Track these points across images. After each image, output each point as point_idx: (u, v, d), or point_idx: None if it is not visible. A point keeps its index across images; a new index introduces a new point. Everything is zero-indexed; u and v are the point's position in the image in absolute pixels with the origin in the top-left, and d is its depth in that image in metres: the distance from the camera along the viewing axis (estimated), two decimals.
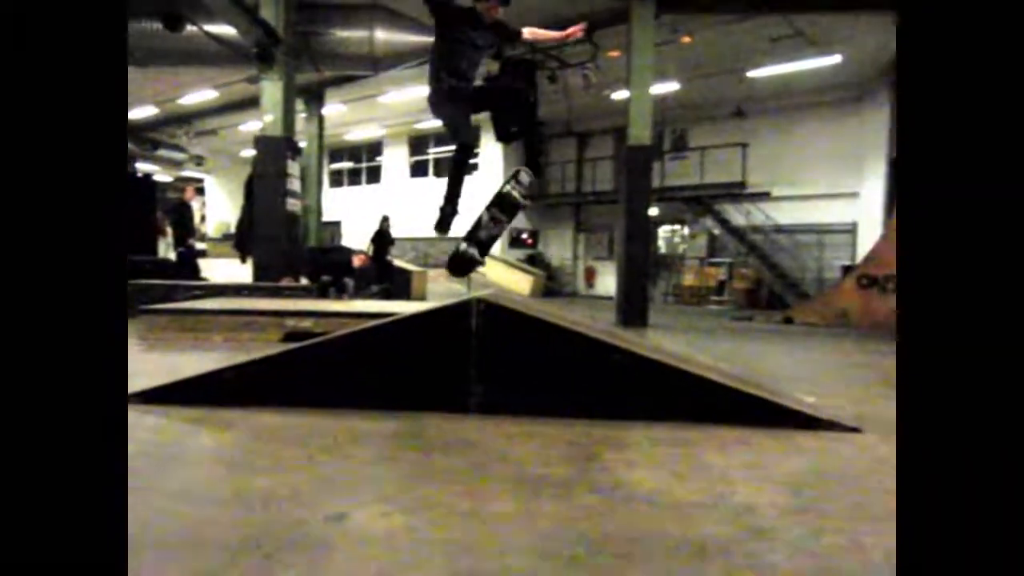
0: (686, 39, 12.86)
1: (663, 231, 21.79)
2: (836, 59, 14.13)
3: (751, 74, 15.56)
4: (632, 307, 10.54)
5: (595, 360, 3.52)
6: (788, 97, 17.59)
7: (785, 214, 18.37)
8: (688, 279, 20.06)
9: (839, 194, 17.35)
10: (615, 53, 12.42)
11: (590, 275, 22.91)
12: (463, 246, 4.71)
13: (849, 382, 5.87)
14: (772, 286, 18.23)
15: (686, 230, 21.11)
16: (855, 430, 3.52)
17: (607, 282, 20.55)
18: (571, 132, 21.64)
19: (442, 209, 4.59)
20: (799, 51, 13.84)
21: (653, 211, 19.61)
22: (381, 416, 3.39)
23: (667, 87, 16.21)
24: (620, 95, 11.22)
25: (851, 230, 17.39)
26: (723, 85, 16.68)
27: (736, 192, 18.88)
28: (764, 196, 18.61)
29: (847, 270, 13.97)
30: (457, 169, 4.58)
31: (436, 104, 4.44)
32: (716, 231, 19.68)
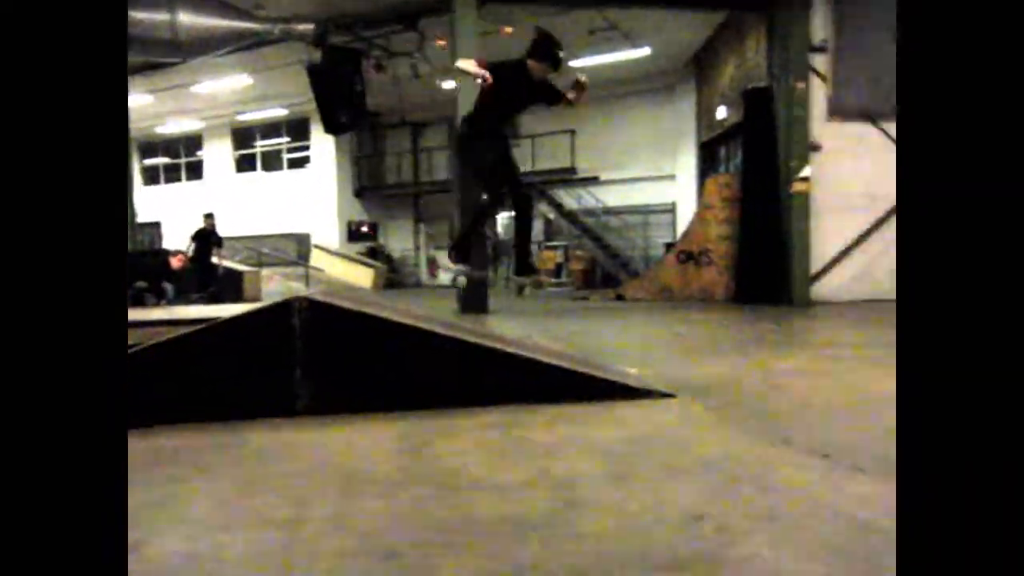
0: (508, 30, 13.14)
1: (501, 217, 22.24)
2: (646, 51, 15.14)
3: (573, 64, 16.24)
4: (473, 295, 10.67)
5: (424, 351, 3.53)
6: (610, 86, 18.57)
7: (613, 197, 19.45)
8: None
9: (659, 177, 18.66)
10: (442, 42, 12.42)
11: (433, 265, 22.89)
12: (462, 277, 4.78)
13: (670, 350, 6.34)
14: (605, 266, 19.26)
15: None
16: (670, 395, 3.81)
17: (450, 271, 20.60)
18: (405, 122, 21.42)
19: (454, 248, 4.71)
20: (615, 43, 14.65)
21: None
22: (197, 430, 3.17)
23: None
24: (450, 84, 11.25)
25: (671, 210, 18.80)
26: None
27: (567, 177, 19.68)
28: (593, 180, 19.57)
29: (669, 247, 15.07)
30: (475, 219, 4.66)
31: (465, 149, 4.51)
32: (551, 216, 20.42)
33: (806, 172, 10.57)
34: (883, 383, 4.30)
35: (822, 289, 10.72)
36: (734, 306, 10.83)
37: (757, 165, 11.10)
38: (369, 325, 3.54)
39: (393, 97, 17.45)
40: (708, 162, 16.35)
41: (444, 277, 21.10)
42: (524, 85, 4.36)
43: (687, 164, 17.87)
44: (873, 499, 2.20)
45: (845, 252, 10.78)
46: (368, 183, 22.96)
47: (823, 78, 10.60)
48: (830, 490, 2.31)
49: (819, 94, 10.63)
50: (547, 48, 4.32)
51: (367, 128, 20.67)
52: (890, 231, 10.69)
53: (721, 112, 14.12)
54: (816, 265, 10.74)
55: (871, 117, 10.59)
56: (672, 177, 18.48)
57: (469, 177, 4.55)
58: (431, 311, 8.45)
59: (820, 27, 10.59)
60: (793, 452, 2.75)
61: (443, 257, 21.75)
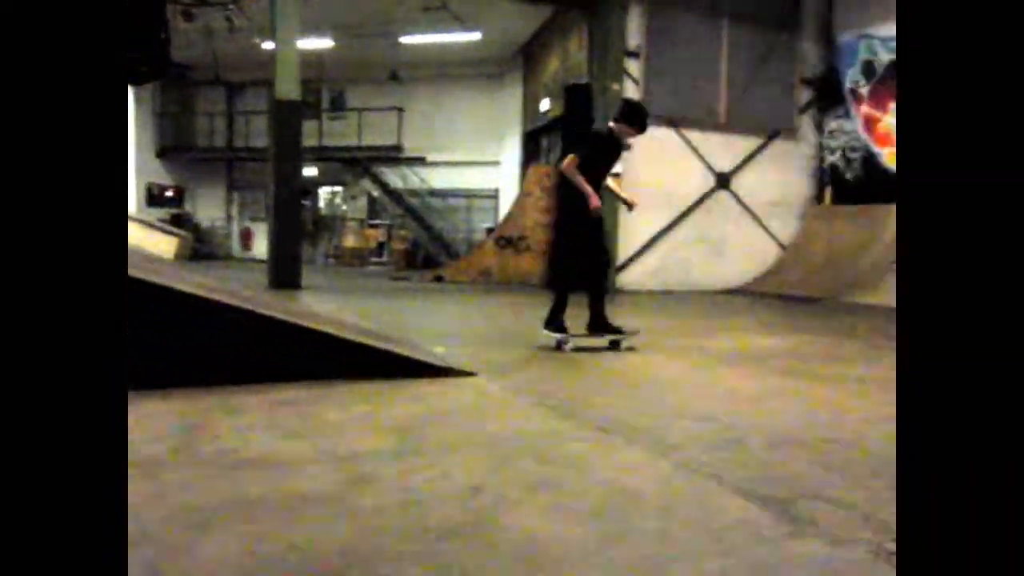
0: None
1: (324, 192, 21.39)
2: (477, 36, 15.27)
3: (404, 40, 15.98)
4: (284, 269, 10.17)
5: (213, 324, 3.29)
6: (441, 67, 18.49)
7: (439, 179, 19.45)
8: (349, 241, 20.08)
9: (485, 162, 18.96)
10: None
11: (247, 236, 21.47)
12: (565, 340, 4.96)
13: (482, 331, 6.49)
14: (428, 247, 19.26)
15: (348, 191, 21.03)
16: (471, 374, 3.90)
17: (265, 244, 19.51)
18: (220, 80, 19.77)
19: (550, 322, 5.03)
20: (446, 24, 14.60)
21: (312, 171, 19.12)
22: None
23: (321, 43, 15.75)
24: (271, 45, 10.56)
25: (495, 195, 19.19)
26: (378, 48, 16.82)
27: (394, 156, 19.35)
28: (420, 161, 19.42)
29: (490, 232, 15.39)
30: (567, 286, 5.10)
31: (572, 214, 4.97)
32: (375, 193, 19.99)
33: (617, 168, 11.28)
34: (667, 366, 4.73)
35: (626, 279, 11.54)
36: (547, 291, 11.34)
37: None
38: (149, 293, 3.23)
39: (206, 52, 16.04)
40: (531, 151, 16.89)
41: (258, 250, 19.89)
42: (613, 149, 5.09)
43: (512, 151, 18.32)
44: (639, 467, 2.41)
45: (647, 246, 11.69)
46: (173, 143, 20.96)
47: (636, 82, 11.36)
48: (601, 460, 2.50)
49: (632, 96, 11.37)
50: (640, 117, 5.05)
51: (172, 81, 18.80)
52: (684, 231, 11.74)
53: (545, 104, 14.63)
54: (621, 257, 11.54)
55: (673, 123, 11.53)
56: (497, 163, 18.86)
57: (571, 242, 5.15)
58: (237, 285, 7.92)
59: (635, 33, 11.32)
60: (576, 427, 2.93)
61: (256, 226, 20.51)
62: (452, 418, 3.02)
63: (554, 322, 4.98)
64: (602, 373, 4.33)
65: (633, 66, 11.32)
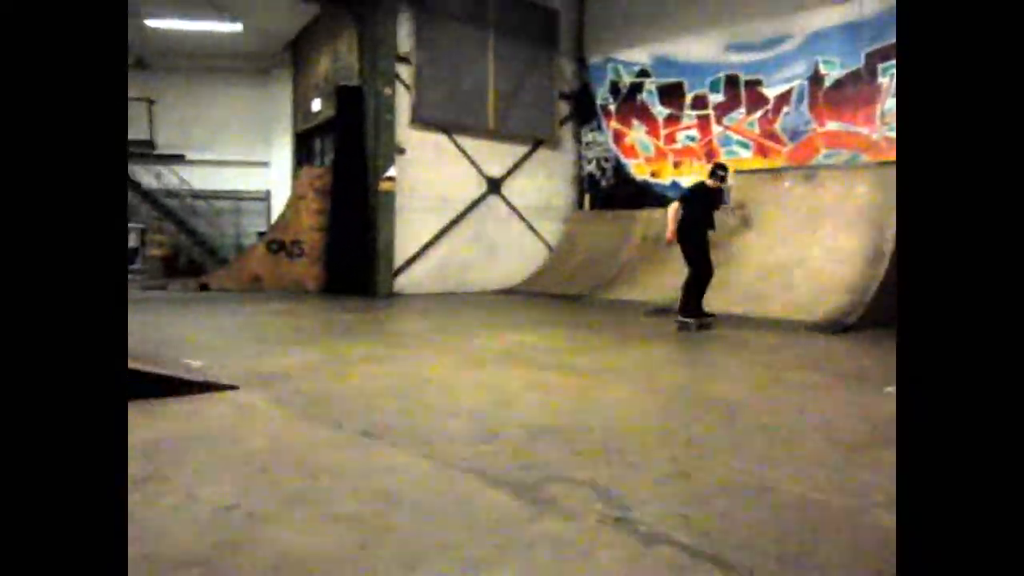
0: None
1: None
2: (238, 27, 14.32)
3: (151, 23, 14.47)
4: None
5: None
6: (199, 58, 17.04)
7: (202, 179, 17.92)
8: None
9: (253, 163, 17.85)
10: None
11: None
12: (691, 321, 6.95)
13: (247, 341, 6.12)
14: (191, 253, 17.66)
15: None
16: (233, 388, 3.68)
17: None
18: None
19: (689, 311, 6.96)
20: (203, 11, 13.51)
21: None
22: None
23: None
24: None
25: (265, 198, 18.16)
26: None
27: (145, 152, 17.45)
28: (179, 159, 17.74)
29: (261, 236, 14.55)
30: (697, 287, 7.03)
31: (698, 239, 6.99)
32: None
33: (392, 172, 11.30)
34: (435, 367, 4.85)
35: (403, 282, 11.60)
36: (323, 297, 11.00)
37: (348, 161, 11.45)
38: None
39: None
40: (304, 152, 16.25)
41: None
42: (709, 197, 7.06)
43: (282, 152, 17.47)
44: (401, 469, 2.46)
45: (424, 249, 11.86)
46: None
47: (408, 87, 11.47)
48: (363, 466, 2.51)
49: (405, 101, 11.46)
50: (723, 173, 7.12)
51: None
52: (460, 234, 12.12)
53: (316, 104, 14.18)
54: (399, 260, 11.58)
55: (446, 129, 11.84)
56: (266, 164, 17.87)
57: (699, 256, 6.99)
58: None
59: (405, 38, 11.43)
60: (340, 434, 2.91)
61: None
62: (206, 437, 2.83)
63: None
64: (371, 376, 4.33)
65: (405, 71, 11.42)
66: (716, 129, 11.01)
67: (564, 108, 13.36)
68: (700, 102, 11.27)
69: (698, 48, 11.23)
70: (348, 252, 11.27)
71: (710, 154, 11.03)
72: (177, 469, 2.42)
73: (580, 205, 13.57)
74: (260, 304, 9.71)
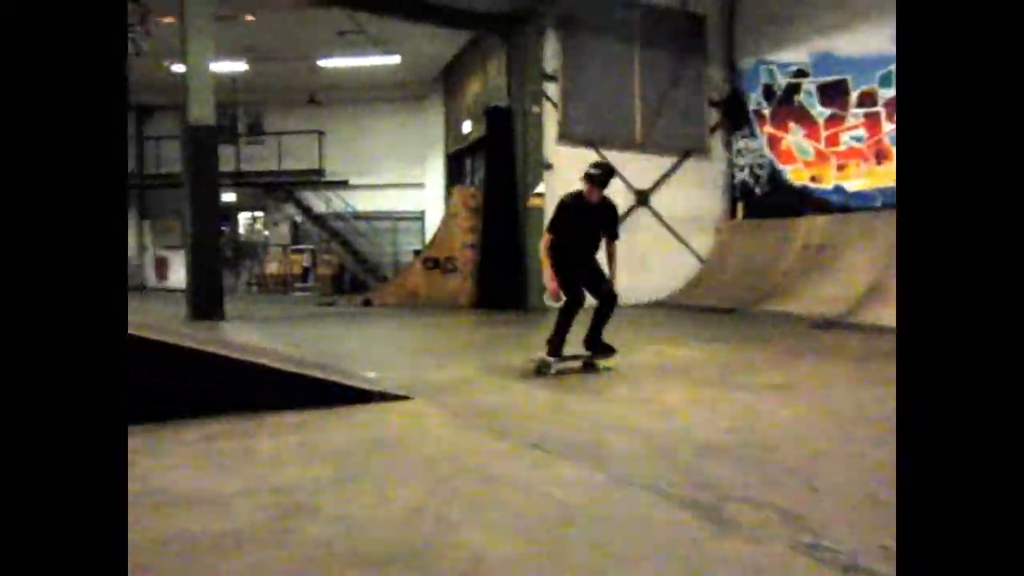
0: (249, 17, 12.39)
1: (244, 218, 20.79)
2: (396, 59, 15.30)
3: (322, 63, 15.83)
4: (205, 299, 9.81)
5: (139, 359, 3.17)
6: (361, 90, 18.38)
7: (363, 202, 19.25)
8: (272, 267, 19.56)
9: (409, 184, 18.92)
10: (169, 19, 11.28)
11: (161, 266, 20.59)
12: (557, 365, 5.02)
13: (412, 354, 6.47)
14: (354, 271, 18.99)
15: (269, 216, 20.52)
16: (406, 398, 3.90)
17: (182, 273, 18.76)
18: (128, 105, 19.01)
19: (552, 342, 5.02)
20: (364, 48, 14.57)
21: (230, 197, 18.56)
22: None
23: (235, 66, 15.43)
24: (181, 68, 10.26)
25: (420, 217, 19.16)
26: (295, 71, 16.58)
27: (315, 180, 19.05)
28: (343, 184, 19.19)
29: (417, 254, 15.34)
30: (565, 317, 5.02)
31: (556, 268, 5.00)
32: (298, 219, 19.59)
33: (540, 188, 11.51)
34: (597, 381, 4.85)
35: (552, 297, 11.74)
36: (476, 312, 11.38)
37: (498, 179, 11.83)
38: None
39: None
40: (455, 172, 16.98)
41: (175, 279, 19.15)
42: (586, 210, 5.14)
43: (435, 173, 18.36)
44: (575, 482, 2.49)
45: None
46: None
47: (555, 105, 11.66)
48: (537, 477, 2.56)
49: (552, 118, 11.66)
50: (595, 172, 5.13)
51: None
52: (604, 248, 12.05)
53: (467, 126, 14.78)
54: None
55: (592, 144, 11.89)
56: (421, 185, 18.85)
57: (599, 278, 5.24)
58: (150, 316, 7.61)
59: (552, 57, 11.64)
60: (509, 445, 2.99)
61: (172, 255, 19.76)
62: (388, 443, 3.03)
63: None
64: (534, 390, 4.41)
65: (552, 89, 11.62)
66: (887, 127, 10.16)
67: (713, 116, 12.94)
68: (868, 99, 10.46)
69: (865, 41, 10.44)
70: (499, 268, 11.60)
71: (879, 155, 10.20)
72: (368, 472, 2.60)
73: (732, 215, 13.04)
74: (417, 319, 10.22)
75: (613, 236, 5.29)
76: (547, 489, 2.39)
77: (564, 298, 5.00)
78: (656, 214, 12.46)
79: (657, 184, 12.46)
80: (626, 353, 6.19)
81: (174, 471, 2.55)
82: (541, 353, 5.09)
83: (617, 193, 12.15)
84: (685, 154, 12.63)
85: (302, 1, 11.71)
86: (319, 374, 3.75)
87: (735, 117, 12.88)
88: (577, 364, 5.17)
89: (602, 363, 5.18)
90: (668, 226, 12.52)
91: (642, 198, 12.36)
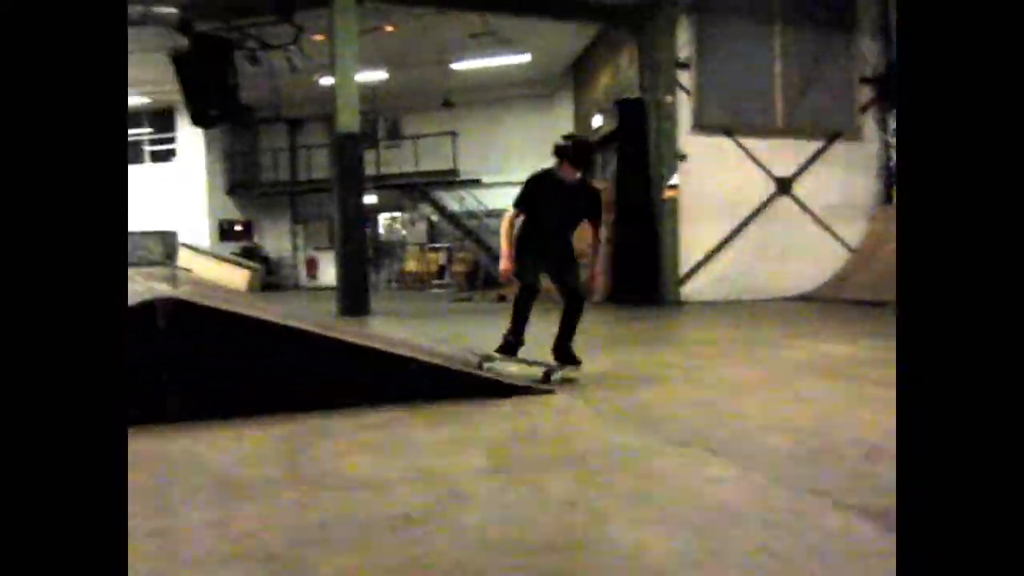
0: (389, 28, 13.01)
1: (383, 218, 21.93)
2: (527, 58, 15.50)
3: (455, 66, 16.34)
4: (353, 296, 10.47)
5: (301, 352, 3.46)
6: (492, 90, 18.81)
7: (495, 199, 19.67)
8: (410, 265, 20.49)
9: None
10: (319, 37, 12.10)
11: (312, 266, 22.18)
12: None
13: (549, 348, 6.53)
14: (488, 267, 19.49)
15: (407, 216, 21.51)
16: (550, 391, 3.96)
17: (330, 272, 20.05)
18: (281, 118, 20.59)
19: (506, 337, 4.61)
20: (495, 48, 14.88)
21: (371, 199, 19.64)
22: None
23: (376, 75, 16.27)
24: (329, 81, 11.00)
25: None
26: (430, 76, 17.25)
27: (450, 179, 19.72)
28: (476, 183, 19.73)
29: None
30: (521, 304, 4.62)
31: (517, 249, 4.55)
32: (434, 218, 20.37)
33: (675, 180, 11.23)
34: (743, 377, 4.68)
35: (688, 290, 11.42)
36: (610, 306, 11.31)
37: (631, 172, 11.67)
38: (241, 325, 3.42)
39: (268, 91, 16.74)
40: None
41: (324, 278, 20.53)
42: (559, 189, 4.54)
43: None
44: (730, 481, 2.42)
45: (709, 256, 11.55)
46: (241, 180, 21.87)
47: (688, 93, 11.31)
48: (690, 474, 2.51)
49: (685, 107, 11.33)
50: (565, 144, 4.56)
51: (241, 123, 19.69)
52: (747, 238, 11.56)
53: (597, 120, 14.69)
54: (684, 267, 11.43)
55: (729, 132, 11.42)
56: None
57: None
58: (309, 312, 8.20)
59: (685, 45, 11.30)
60: (656, 440, 2.95)
61: (320, 255, 21.19)
62: (536, 435, 3.09)
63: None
64: (673, 384, 4.32)
65: (685, 77, 11.29)
66: None
67: (865, 93, 12.01)
68: None
69: None
70: (633, 261, 11.44)
71: None
72: (519, 463, 2.67)
73: (888, 200, 12.05)
74: (551, 314, 10.30)
75: (597, 223, 4.65)
76: (701, 487, 2.34)
77: (516, 282, 4.51)
78: (799, 202, 11.77)
79: (801, 170, 11.76)
80: (769, 348, 5.91)
81: (343, 456, 2.75)
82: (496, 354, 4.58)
83: (755, 182, 11.65)
84: (832, 137, 11.83)
85: (434, 7, 12.11)
86: (467, 368, 3.89)
87: (891, 93, 11.87)
88: (536, 370, 4.47)
89: (563, 375, 4.44)
90: (813, 214, 11.78)
91: (783, 186, 11.73)
